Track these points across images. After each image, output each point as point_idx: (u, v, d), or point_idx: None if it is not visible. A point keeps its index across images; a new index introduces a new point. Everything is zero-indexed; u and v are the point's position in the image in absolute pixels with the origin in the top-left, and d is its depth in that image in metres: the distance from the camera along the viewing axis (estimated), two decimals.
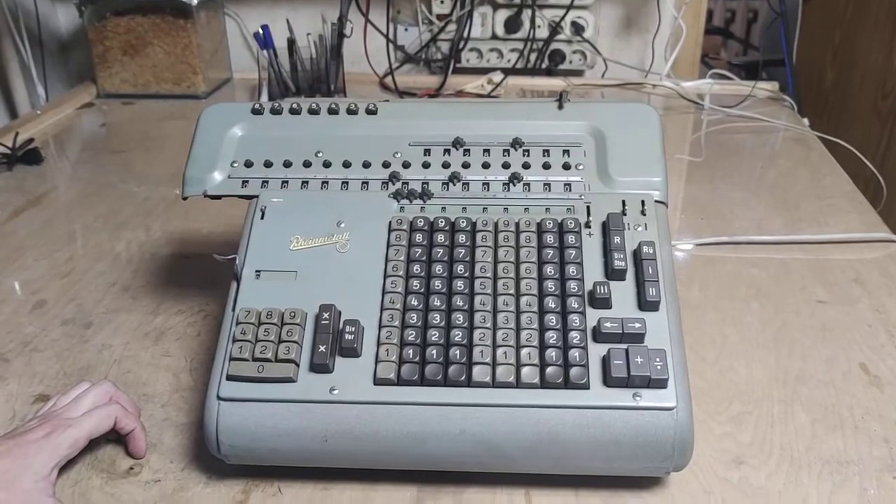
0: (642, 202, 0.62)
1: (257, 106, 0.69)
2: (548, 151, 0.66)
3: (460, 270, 0.60)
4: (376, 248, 0.61)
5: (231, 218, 0.90)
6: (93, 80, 1.42)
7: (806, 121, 1.29)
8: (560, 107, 0.68)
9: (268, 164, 0.66)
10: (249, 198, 0.65)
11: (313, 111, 0.69)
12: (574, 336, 0.55)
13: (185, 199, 0.67)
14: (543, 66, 1.47)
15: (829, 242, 0.89)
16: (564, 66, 1.47)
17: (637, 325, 0.55)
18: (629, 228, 0.61)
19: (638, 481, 0.57)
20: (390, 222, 0.63)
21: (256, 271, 0.61)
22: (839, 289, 0.81)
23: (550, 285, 0.58)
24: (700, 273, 0.84)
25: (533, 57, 1.46)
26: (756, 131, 1.25)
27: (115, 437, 0.61)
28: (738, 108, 1.32)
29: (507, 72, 1.43)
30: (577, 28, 1.43)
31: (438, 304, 0.58)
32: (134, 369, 0.70)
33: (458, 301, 0.58)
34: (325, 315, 0.57)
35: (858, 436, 0.62)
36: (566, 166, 0.65)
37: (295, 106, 0.69)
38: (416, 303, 0.58)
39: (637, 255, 0.59)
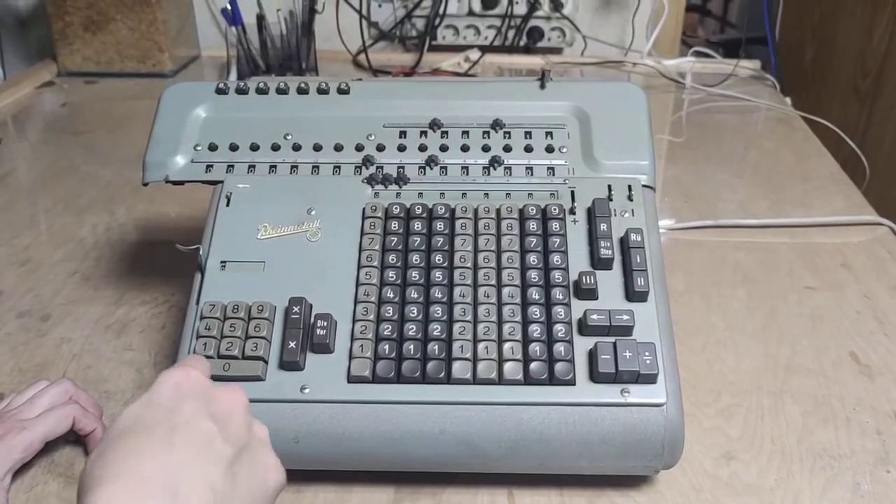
0: (629, 187, 0.59)
1: (222, 85, 0.65)
2: (530, 133, 0.63)
3: (439, 260, 0.56)
4: (349, 237, 0.58)
5: (201, 202, 0.86)
6: (53, 57, 1.35)
7: (788, 100, 1.27)
8: (542, 86, 0.64)
9: (233, 148, 0.62)
10: (214, 183, 0.62)
11: (281, 91, 0.65)
12: (559, 329, 0.53)
13: (145, 185, 0.63)
14: (521, 43, 1.43)
15: (815, 225, 0.87)
16: (543, 44, 1.43)
17: (625, 317, 0.52)
18: (616, 215, 0.58)
19: (625, 479, 0.55)
20: (364, 209, 0.59)
21: (222, 262, 0.57)
22: (827, 274, 0.79)
23: (534, 275, 0.55)
24: (684, 257, 0.82)
25: (511, 34, 1.42)
26: (738, 111, 1.22)
27: (75, 438, 0.57)
28: (720, 87, 1.29)
29: (485, 49, 1.39)
30: (556, 4, 1.39)
31: (416, 296, 0.55)
32: (94, 365, 0.67)
33: (437, 293, 0.55)
34: (296, 309, 0.53)
35: (850, 428, 0.60)
36: (549, 149, 0.62)
37: (262, 85, 0.65)
38: (391, 295, 0.55)
39: (624, 243, 0.56)
